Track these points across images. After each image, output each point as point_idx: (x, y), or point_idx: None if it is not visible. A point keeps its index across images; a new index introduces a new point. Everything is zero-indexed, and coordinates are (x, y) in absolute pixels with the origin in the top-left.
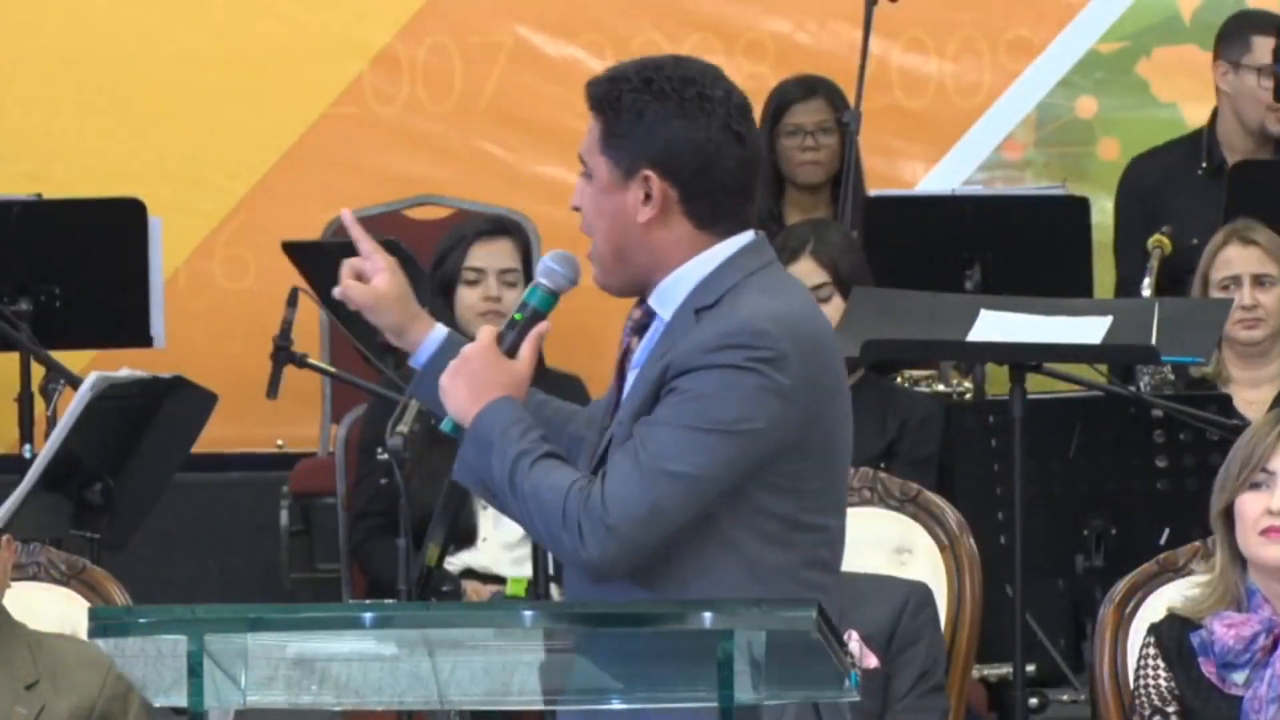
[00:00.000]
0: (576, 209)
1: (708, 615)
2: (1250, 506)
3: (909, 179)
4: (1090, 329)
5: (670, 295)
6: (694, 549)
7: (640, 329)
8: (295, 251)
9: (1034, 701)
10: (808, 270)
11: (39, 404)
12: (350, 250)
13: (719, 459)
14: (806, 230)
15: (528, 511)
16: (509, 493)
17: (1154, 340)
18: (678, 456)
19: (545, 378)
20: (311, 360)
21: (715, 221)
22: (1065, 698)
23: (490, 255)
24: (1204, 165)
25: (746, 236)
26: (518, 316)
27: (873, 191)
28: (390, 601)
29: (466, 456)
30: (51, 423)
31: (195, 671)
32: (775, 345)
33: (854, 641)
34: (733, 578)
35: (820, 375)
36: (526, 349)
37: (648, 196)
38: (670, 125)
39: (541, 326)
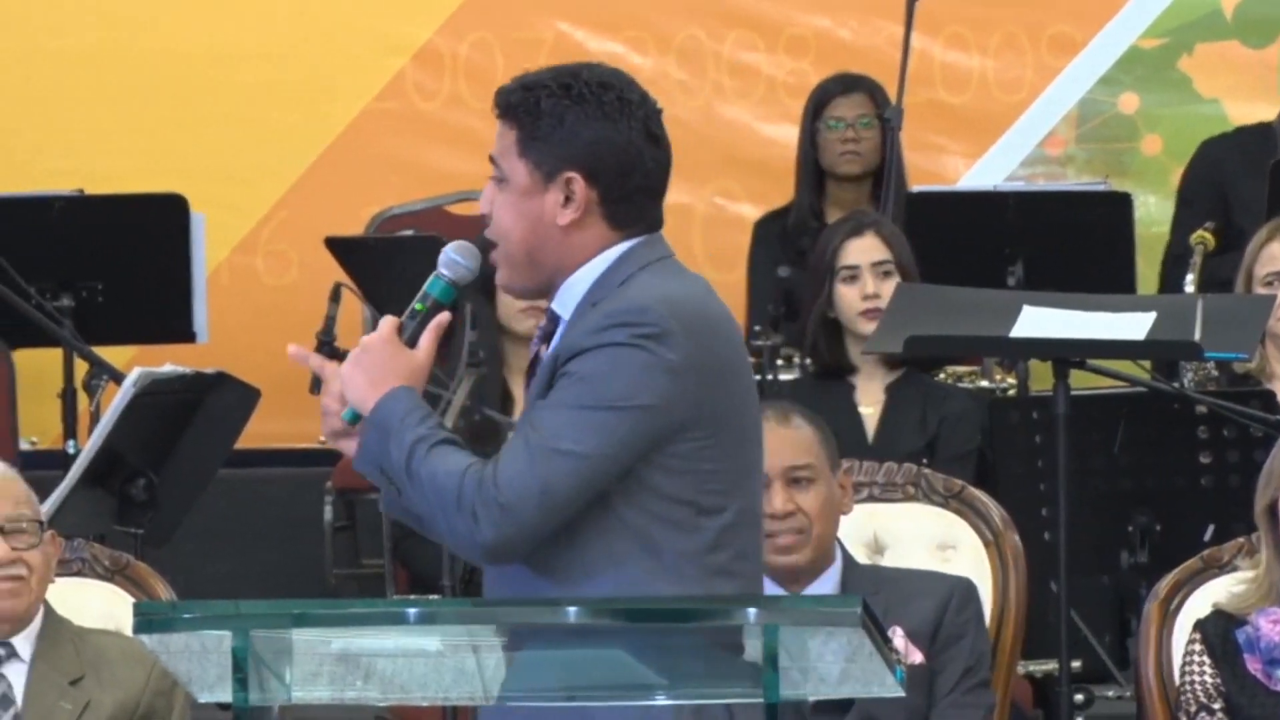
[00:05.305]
0: (485, 214)
1: (752, 611)
2: None
3: (951, 175)
4: (1133, 325)
5: (571, 295)
6: (599, 535)
7: (547, 336)
8: (338, 247)
9: (1079, 698)
10: (872, 245)
11: (82, 399)
12: (394, 246)
13: (608, 436)
14: (870, 211)
15: (425, 497)
16: (406, 480)
17: (1197, 336)
18: (567, 435)
19: None
20: None
21: (631, 223)
22: (1111, 694)
23: None
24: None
25: (646, 235)
26: (419, 307)
27: (914, 187)
28: (434, 598)
29: (366, 444)
30: (95, 418)
31: (240, 667)
32: (659, 322)
33: (899, 637)
34: (638, 564)
35: (711, 354)
36: (426, 339)
37: (568, 199)
38: (592, 128)
39: (442, 317)
